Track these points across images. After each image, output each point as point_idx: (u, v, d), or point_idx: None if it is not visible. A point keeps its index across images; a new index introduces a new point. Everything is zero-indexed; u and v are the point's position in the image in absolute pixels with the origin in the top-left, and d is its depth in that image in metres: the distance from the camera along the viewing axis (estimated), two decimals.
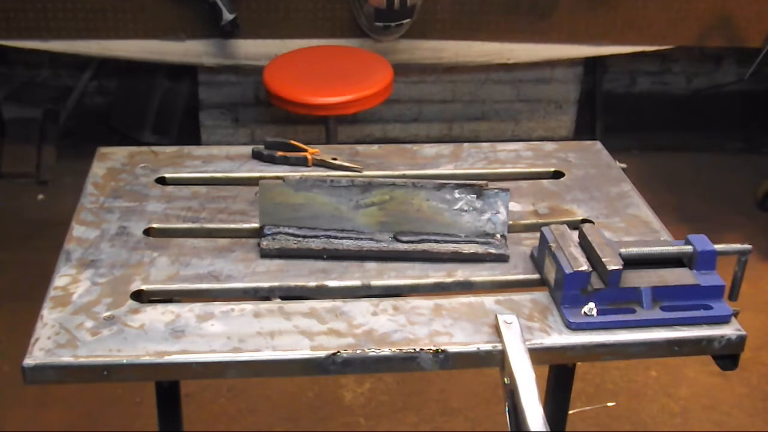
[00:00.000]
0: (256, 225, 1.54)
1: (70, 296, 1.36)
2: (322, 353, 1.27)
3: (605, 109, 4.14)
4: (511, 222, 1.55)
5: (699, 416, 2.61)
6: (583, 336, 1.33)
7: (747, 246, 1.40)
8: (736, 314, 1.37)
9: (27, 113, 3.86)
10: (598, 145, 1.91)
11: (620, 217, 1.64)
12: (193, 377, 1.30)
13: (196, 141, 3.85)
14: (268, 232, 1.49)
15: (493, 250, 1.50)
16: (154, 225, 1.56)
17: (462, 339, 1.31)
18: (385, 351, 1.28)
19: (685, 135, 4.15)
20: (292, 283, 1.43)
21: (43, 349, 1.25)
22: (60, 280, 1.40)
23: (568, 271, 1.33)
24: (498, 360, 1.29)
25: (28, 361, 1.23)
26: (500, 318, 1.31)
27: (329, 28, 3.43)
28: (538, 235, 1.45)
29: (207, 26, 3.35)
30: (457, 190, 1.51)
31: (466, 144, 1.88)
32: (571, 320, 1.33)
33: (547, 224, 1.45)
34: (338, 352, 1.27)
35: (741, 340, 1.35)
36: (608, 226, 1.59)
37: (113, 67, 3.89)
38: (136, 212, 1.59)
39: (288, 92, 2.88)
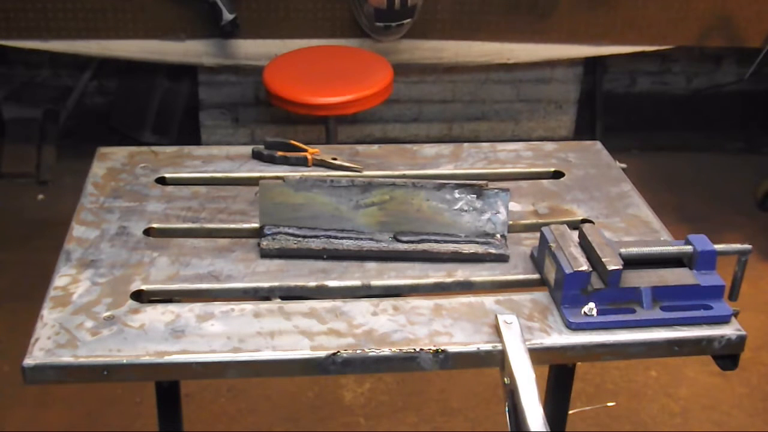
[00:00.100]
0: (256, 225, 1.54)
1: (70, 296, 1.36)
2: (322, 353, 1.27)
3: (605, 109, 4.14)
4: (511, 222, 1.55)
5: (699, 416, 2.60)
6: (583, 336, 1.33)
7: (747, 246, 1.40)
8: (736, 314, 1.37)
9: (27, 113, 3.86)
10: (598, 145, 1.91)
11: (620, 217, 1.64)
12: (193, 377, 1.30)
13: (196, 141, 3.85)
14: (268, 232, 1.49)
15: (493, 250, 1.50)
16: (154, 225, 1.56)
17: (462, 339, 1.31)
18: (385, 351, 1.28)
19: (685, 135, 4.15)
20: (292, 283, 1.43)
21: (43, 349, 1.25)
22: (60, 280, 1.40)
23: (568, 271, 1.33)
24: (498, 360, 1.29)
25: (28, 361, 1.23)
26: (500, 318, 1.31)
27: (329, 28, 3.43)
28: (538, 235, 1.45)
29: (207, 26, 3.35)
30: (457, 190, 1.51)
31: (466, 144, 1.88)
32: (571, 320, 1.33)
33: (547, 224, 1.45)
34: (338, 352, 1.27)
35: (741, 340, 1.35)
36: (608, 226, 1.59)
37: (113, 67, 3.88)
38: (136, 212, 1.59)
39: (288, 92, 2.87)
